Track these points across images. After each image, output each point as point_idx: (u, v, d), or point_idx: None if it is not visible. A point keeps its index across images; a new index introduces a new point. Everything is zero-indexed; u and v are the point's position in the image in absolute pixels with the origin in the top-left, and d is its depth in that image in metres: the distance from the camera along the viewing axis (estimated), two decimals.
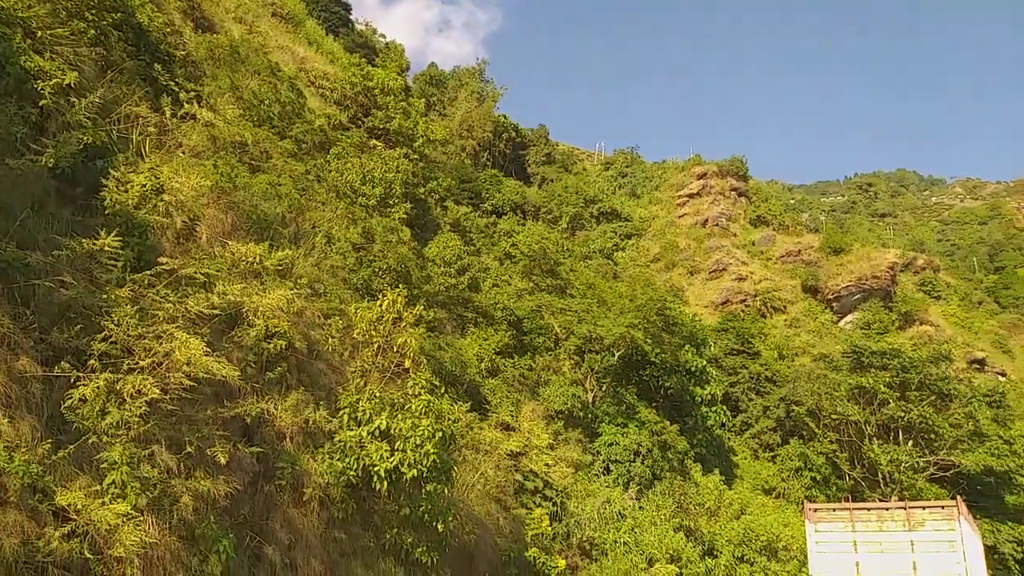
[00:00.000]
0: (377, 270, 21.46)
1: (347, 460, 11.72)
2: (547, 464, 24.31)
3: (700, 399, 40.93)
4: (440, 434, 12.38)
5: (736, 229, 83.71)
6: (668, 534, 26.44)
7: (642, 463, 30.92)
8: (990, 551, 42.43)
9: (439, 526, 12.81)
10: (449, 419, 13.64)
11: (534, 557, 18.14)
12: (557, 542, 21.75)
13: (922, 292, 78.29)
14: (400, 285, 15.74)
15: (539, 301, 36.20)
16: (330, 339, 14.02)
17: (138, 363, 8.41)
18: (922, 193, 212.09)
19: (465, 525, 14.99)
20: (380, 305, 13.85)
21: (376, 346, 13.56)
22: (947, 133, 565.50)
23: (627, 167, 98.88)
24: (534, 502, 22.34)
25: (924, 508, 16.90)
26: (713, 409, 41.30)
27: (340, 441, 11.86)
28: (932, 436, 43.29)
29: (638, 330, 34.44)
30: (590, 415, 32.32)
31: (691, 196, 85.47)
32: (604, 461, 30.58)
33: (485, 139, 75.16)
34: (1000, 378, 64.43)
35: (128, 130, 12.28)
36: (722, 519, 31.85)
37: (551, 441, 26.51)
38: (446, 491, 13.42)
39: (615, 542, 24.18)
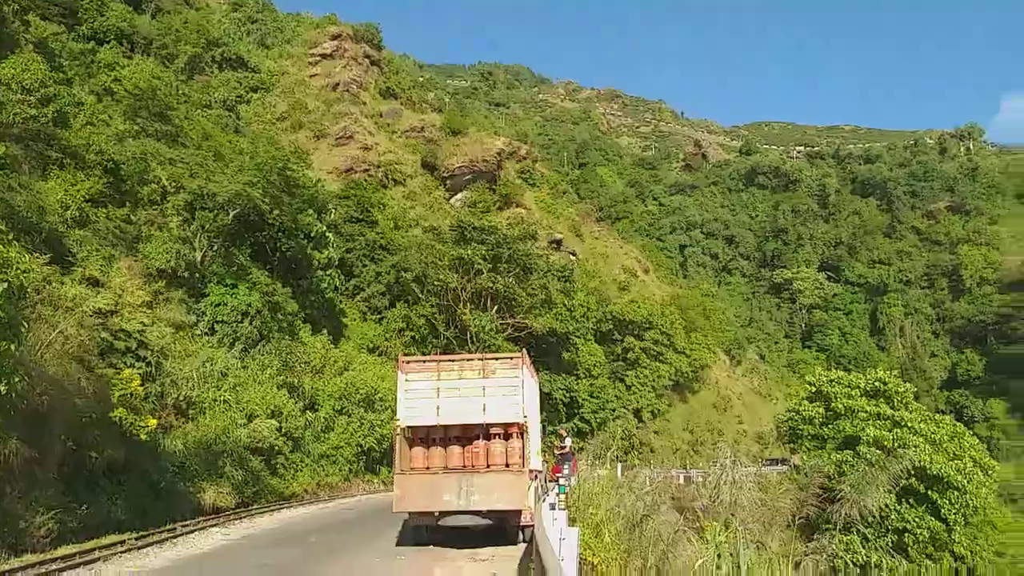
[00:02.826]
0: None
1: None
2: (143, 323, 22.78)
3: (317, 263, 41.42)
4: (5, 285, 10.84)
5: (366, 98, 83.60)
6: (271, 391, 27.06)
7: (250, 324, 30.67)
8: (547, 396, 51.52)
9: (2, 387, 11.43)
10: (18, 269, 11.96)
11: (121, 417, 17.21)
12: (149, 402, 20.87)
13: (521, 179, 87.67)
14: None
15: (144, 148, 32.46)
16: None
17: None
18: (532, 89, 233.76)
19: (37, 386, 13.56)
20: None
21: None
22: (562, 35, 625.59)
23: (258, 13, 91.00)
24: (125, 362, 20.96)
25: (496, 359, 19.22)
26: (328, 273, 42.17)
27: None
28: (513, 303, 50.14)
29: (256, 189, 33.17)
30: (197, 275, 30.78)
31: (324, 56, 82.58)
32: (210, 321, 29.68)
33: None
34: (571, 257, 76.25)
35: None
36: (326, 376, 33.46)
37: (149, 300, 24.80)
38: (13, 349, 11.92)
39: (215, 400, 24.01)
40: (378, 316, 48.87)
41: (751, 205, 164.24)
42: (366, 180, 63.23)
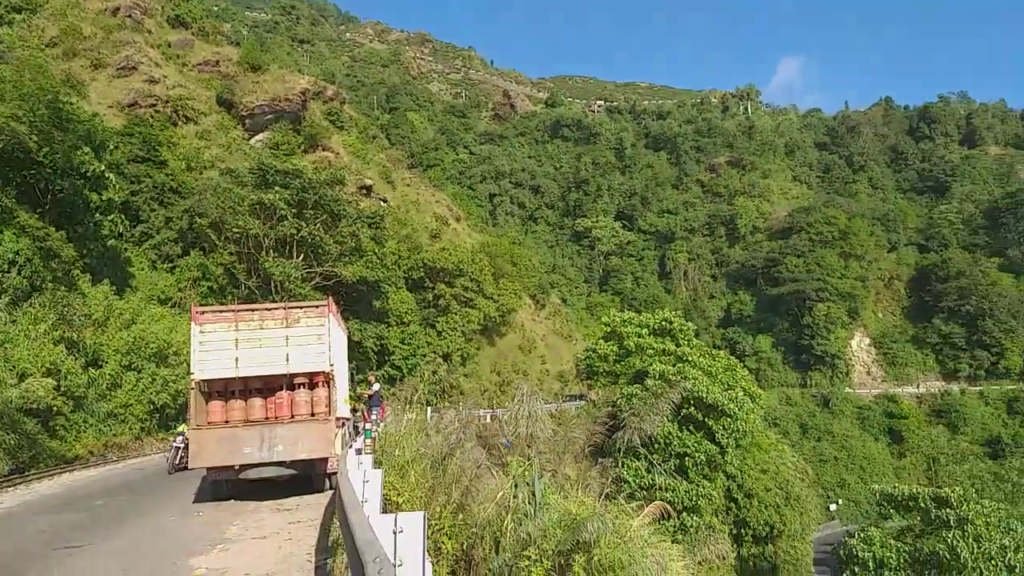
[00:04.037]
0: None
1: None
2: None
3: (96, 206, 37.68)
4: None
5: (151, 25, 76.02)
6: (47, 347, 24.68)
7: (19, 274, 27.58)
8: (357, 345, 51.10)
9: None
10: None
11: None
12: None
13: (328, 121, 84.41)
14: None
15: None
16: None
17: None
18: (339, 27, 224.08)
19: None
20: None
21: None
22: None
23: None
24: None
25: (301, 308, 18.79)
26: (109, 218, 38.53)
27: None
28: (320, 251, 48.83)
29: (22, 123, 29.59)
30: None
31: None
32: None
33: None
34: (382, 203, 75.12)
35: None
36: (111, 330, 30.91)
37: None
38: None
39: None
40: (170, 265, 45.55)
41: (556, 156, 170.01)
42: (153, 116, 57.91)
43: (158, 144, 50.24)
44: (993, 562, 32.10)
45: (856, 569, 36.47)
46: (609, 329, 49.50)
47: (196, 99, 66.24)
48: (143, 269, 43.42)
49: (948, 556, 33.03)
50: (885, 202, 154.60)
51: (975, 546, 32.71)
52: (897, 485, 43.85)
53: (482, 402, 57.12)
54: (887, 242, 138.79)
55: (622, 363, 46.61)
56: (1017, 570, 31.89)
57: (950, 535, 33.72)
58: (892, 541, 37.02)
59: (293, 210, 46.84)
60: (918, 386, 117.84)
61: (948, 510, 35.46)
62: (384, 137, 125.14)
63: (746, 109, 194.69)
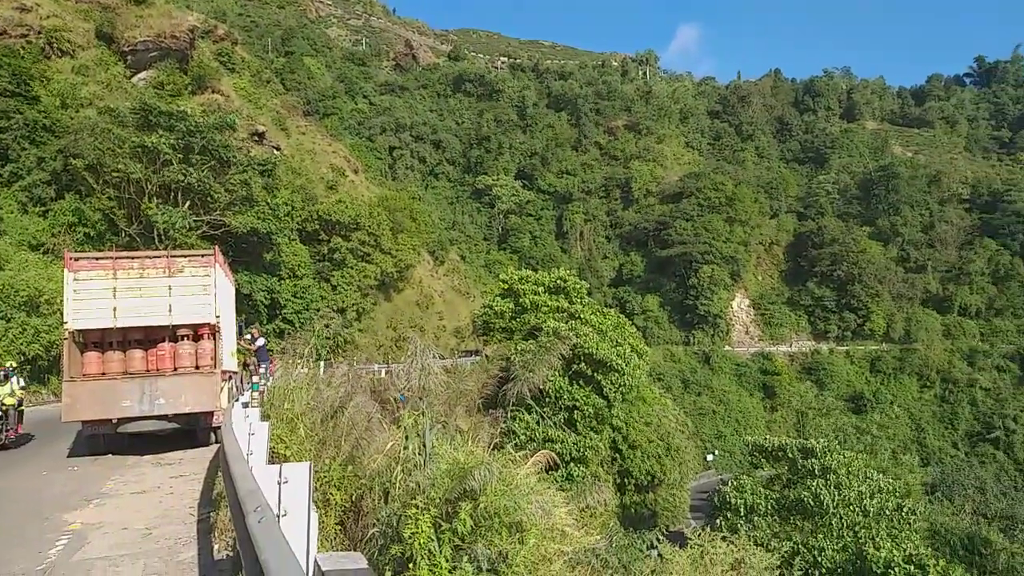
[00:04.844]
0: None
1: None
2: None
3: None
4: None
5: None
6: None
7: None
8: (247, 297, 49.64)
9: None
10: None
11: None
12: None
13: (218, 62, 79.92)
14: None
15: None
16: None
17: None
18: None
19: None
20: None
21: None
22: None
23: None
24: None
25: (185, 257, 18.22)
26: None
27: None
28: (208, 199, 46.74)
29: None
30: None
31: None
32: None
33: None
34: (275, 151, 72.20)
35: None
36: None
37: None
38: None
39: None
40: (42, 208, 42.54)
41: (458, 112, 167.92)
42: (24, 48, 53.20)
43: (29, 78, 46.42)
44: (851, 507, 34.97)
45: (729, 514, 38.81)
46: (506, 286, 50.00)
47: (73, 31, 61.23)
48: (12, 212, 40.38)
49: (812, 502, 35.71)
50: (770, 171, 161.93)
51: (836, 493, 35.48)
52: (768, 437, 46.80)
53: (378, 357, 56.94)
54: (769, 209, 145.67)
55: (518, 320, 47.28)
56: (872, 514, 34.90)
57: (814, 483, 36.40)
58: (762, 489, 39.61)
59: (179, 155, 44.48)
60: (791, 345, 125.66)
61: (813, 460, 38.20)
62: (278, 82, 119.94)
63: (645, 74, 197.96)
